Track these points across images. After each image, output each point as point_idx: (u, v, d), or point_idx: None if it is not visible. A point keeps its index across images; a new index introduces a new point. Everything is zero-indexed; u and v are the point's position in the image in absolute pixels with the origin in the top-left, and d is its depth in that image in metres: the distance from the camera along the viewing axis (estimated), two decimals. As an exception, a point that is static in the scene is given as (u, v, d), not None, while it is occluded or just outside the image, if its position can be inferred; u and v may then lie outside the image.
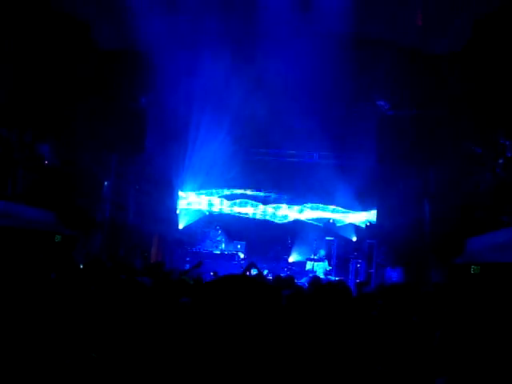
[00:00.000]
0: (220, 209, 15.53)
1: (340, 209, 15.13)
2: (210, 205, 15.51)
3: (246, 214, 15.46)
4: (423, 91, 11.73)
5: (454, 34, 10.70)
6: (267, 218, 15.45)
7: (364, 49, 11.55)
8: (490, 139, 9.86)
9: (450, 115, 11.04)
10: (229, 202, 15.52)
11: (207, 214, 15.50)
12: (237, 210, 15.49)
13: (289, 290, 5.77)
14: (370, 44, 11.60)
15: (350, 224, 14.93)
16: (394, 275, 12.12)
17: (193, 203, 15.43)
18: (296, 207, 15.40)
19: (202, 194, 15.45)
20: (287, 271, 13.62)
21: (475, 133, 10.20)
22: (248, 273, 7.46)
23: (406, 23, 11.07)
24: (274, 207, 15.44)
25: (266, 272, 12.19)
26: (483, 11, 10.02)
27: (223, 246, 14.51)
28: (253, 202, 15.47)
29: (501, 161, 9.53)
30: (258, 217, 15.48)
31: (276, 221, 15.41)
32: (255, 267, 7.78)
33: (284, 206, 15.44)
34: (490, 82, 9.91)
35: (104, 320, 3.73)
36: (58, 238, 10.30)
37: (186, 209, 15.39)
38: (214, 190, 15.50)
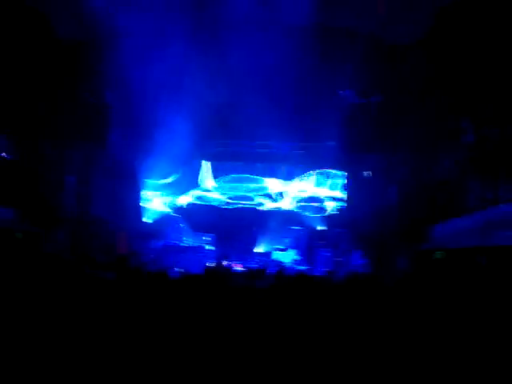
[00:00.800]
0: (187, 201, 15.41)
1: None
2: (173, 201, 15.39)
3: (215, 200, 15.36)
4: (387, 80, 11.87)
5: (416, 24, 10.84)
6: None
7: (329, 39, 11.61)
8: (453, 125, 10.05)
9: (414, 103, 11.20)
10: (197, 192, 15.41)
11: (174, 206, 15.35)
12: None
13: (261, 281, 5.77)
14: (335, 34, 11.68)
15: (317, 214, 15.01)
16: (358, 262, 12.26)
17: (157, 200, 15.29)
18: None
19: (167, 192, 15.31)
20: (256, 262, 13.62)
21: (438, 119, 10.37)
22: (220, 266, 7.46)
23: (369, 13, 11.14)
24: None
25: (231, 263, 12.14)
26: (444, 1, 10.21)
27: (185, 235, 14.38)
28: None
29: (463, 147, 9.73)
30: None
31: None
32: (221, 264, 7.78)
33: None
34: (451, 70, 10.09)
35: (67, 314, 3.63)
36: (19, 235, 10.03)
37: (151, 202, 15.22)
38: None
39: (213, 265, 7.57)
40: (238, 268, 12.54)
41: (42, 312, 3.73)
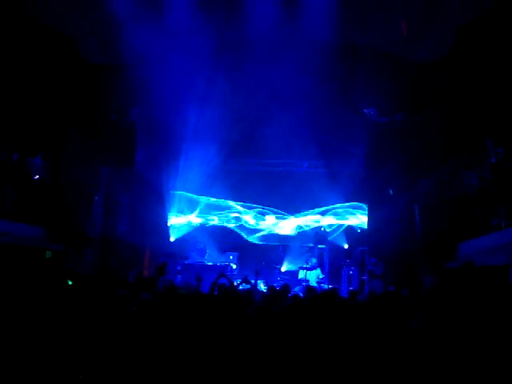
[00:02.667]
0: (210, 221, 15.51)
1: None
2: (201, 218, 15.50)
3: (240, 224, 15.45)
4: (411, 98, 11.85)
5: (439, 41, 10.84)
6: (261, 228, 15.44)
7: (351, 56, 11.65)
8: (477, 144, 9.96)
9: (438, 120, 11.14)
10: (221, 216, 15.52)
11: (198, 225, 15.45)
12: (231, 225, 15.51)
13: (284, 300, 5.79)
14: (358, 52, 11.71)
15: (342, 232, 14.97)
16: (384, 280, 12.12)
17: (184, 219, 15.42)
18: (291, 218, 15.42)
19: (193, 212, 15.44)
20: (280, 281, 13.59)
21: (462, 138, 10.30)
22: (241, 286, 7.53)
23: (392, 31, 11.20)
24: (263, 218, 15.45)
25: (258, 282, 12.13)
26: (465, 18, 10.20)
27: (210, 256, 14.45)
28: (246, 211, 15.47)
29: (488, 166, 9.63)
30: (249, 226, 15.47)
31: (270, 232, 15.40)
32: (248, 282, 7.86)
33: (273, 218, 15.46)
34: (475, 88, 10.04)
35: (103, 334, 3.71)
36: (48, 253, 10.22)
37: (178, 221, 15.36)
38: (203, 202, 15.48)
39: (236, 284, 7.60)
40: (262, 287, 12.56)
41: (74, 332, 3.81)
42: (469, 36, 10.08)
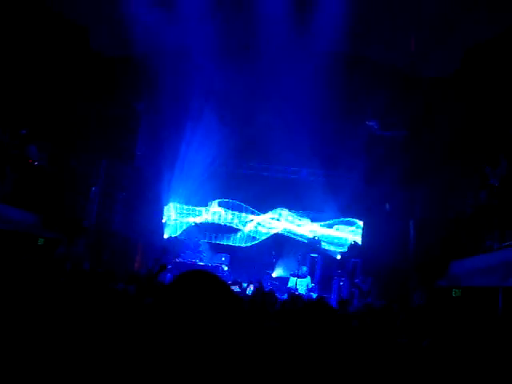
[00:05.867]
0: (205, 220, 15.50)
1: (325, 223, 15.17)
2: (196, 215, 15.48)
3: (231, 223, 15.45)
4: (413, 114, 11.91)
5: (445, 60, 10.91)
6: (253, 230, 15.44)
7: (357, 69, 11.70)
8: (475, 165, 10.00)
9: (438, 139, 11.19)
10: (216, 213, 15.50)
11: (193, 224, 15.43)
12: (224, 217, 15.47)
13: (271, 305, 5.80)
14: (364, 65, 11.77)
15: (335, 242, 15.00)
16: (373, 293, 12.11)
17: (179, 216, 15.39)
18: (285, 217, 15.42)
19: (189, 207, 15.40)
20: (270, 286, 13.55)
21: (461, 158, 10.35)
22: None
23: (399, 47, 11.28)
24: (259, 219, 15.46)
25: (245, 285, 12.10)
26: (473, 40, 10.28)
27: (204, 257, 14.42)
28: (239, 214, 15.47)
29: (485, 186, 9.66)
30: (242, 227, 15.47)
31: (261, 231, 15.39)
32: (237, 283, 7.90)
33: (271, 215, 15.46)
34: (477, 109, 10.10)
35: (86, 325, 3.70)
36: (40, 241, 10.17)
37: (173, 219, 15.33)
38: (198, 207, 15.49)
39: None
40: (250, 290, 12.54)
41: (59, 321, 3.80)
42: (477, 58, 10.14)
